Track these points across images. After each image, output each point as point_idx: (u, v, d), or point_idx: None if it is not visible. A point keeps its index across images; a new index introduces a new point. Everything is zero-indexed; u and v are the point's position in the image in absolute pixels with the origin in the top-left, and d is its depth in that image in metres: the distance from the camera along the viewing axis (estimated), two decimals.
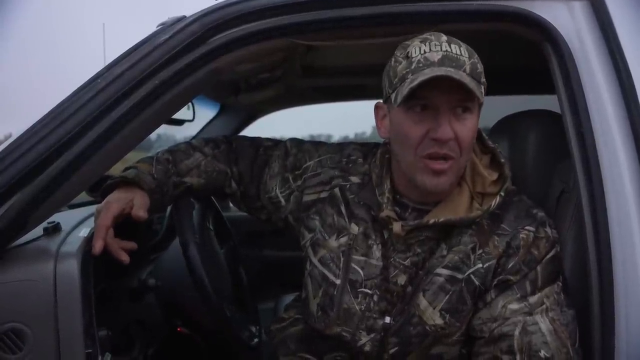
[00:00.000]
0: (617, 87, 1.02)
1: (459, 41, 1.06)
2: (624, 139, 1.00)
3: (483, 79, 1.06)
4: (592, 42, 1.05)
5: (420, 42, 1.05)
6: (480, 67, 1.05)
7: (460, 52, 1.03)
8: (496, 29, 1.14)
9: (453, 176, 1.08)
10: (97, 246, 1.10)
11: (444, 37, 1.05)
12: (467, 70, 1.02)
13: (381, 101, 1.14)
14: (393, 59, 1.08)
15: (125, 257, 1.14)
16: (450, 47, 1.03)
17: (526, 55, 1.36)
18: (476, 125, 1.07)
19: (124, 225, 1.17)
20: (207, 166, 1.30)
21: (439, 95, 1.01)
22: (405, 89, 1.01)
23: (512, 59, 1.70)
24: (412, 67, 1.03)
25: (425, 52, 1.03)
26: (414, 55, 1.04)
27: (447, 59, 1.02)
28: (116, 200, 1.17)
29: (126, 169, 1.24)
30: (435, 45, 1.03)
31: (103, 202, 1.17)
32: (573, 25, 1.06)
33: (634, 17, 1.05)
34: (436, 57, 1.02)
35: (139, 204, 1.18)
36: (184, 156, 1.29)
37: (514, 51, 1.44)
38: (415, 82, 0.99)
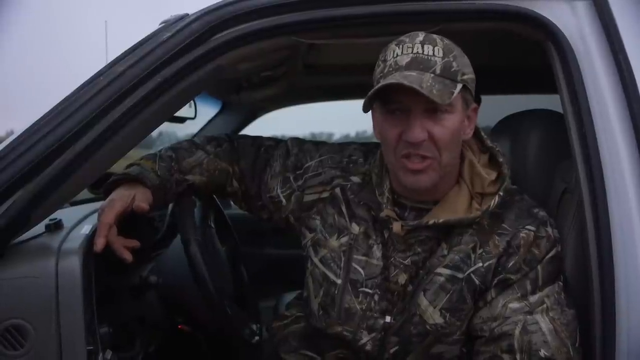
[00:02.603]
0: (619, 87, 1.02)
1: (439, 39, 1.05)
2: (625, 139, 1.00)
3: (464, 77, 1.04)
4: (595, 42, 1.05)
5: (396, 44, 1.05)
6: (457, 64, 1.04)
7: (434, 52, 1.03)
8: (499, 29, 1.14)
9: (435, 174, 1.07)
10: (99, 244, 1.10)
11: (420, 37, 1.04)
12: (438, 70, 1.02)
13: None
14: (377, 62, 1.09)
15: (128, 256, 1.14)
16: (422, 48, 1.03)
17: (528, 55, 1.36)
18: (458, 123, 1.06)
19: (126, 222, 1.17)
20: (209, 164, 1.30)
21: (409, 97, 1.02)
22: (368, 95, 1.03)
23: (515, 58, 1.70)
24: (385, 71, 1.04)
25: (397, 55, 1.04)
26: (388, 58, 1.05)
27: (415, 62, 1.02)
28: (119, 198, 1.17)
29: (129, 166, 1.24)
30: (407, 47, 1.03)
31: (107, 200, 1.17)
32: (576, 25, 1.06)
33: (636, 16, 1.04)
34: (405, 60, 1.02)
35: (140, 198, 1.18)
36: (187, 154, 1.30)
37: (517, 51, 1.45)
38: (372, 91, 1.02)
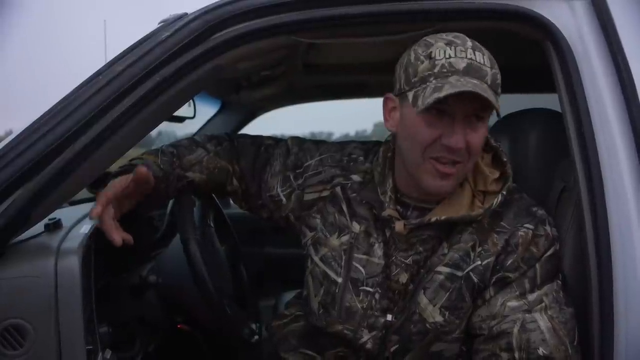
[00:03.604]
0: (617, 86, 1.02)
1: (482, 48, 1.04)
2: (624, 138, 1.00)
3: (499, 90, 1.04)
4: (594, 41, 1.05)
5: (446, 44, 1.02)
6: (499, 77, 1.04)
7: (484, 61, 1.02)
8: (497, 28, 1.14)
9: (458, 179, 1.08)
10: (95, 211, 1.10)
11: (470, 43, 1.03)
12: (489, 81, 1.01)
13: (391, 94, 1.12)
14: (413, 55, 1.05)
15: (118, 238, 1.12)
16: (475, 54, 1.01)
17: (527, 54, 1.36)
18: (486, 132, 1.07)
19: (125, 220, 1.17)
20: (209, 162, 1.30)
21: (458, 103, 1.00)
22: (429, 97, 0.99)
23: (513, 57, 1.70)
24: (436, 70, 1.01)
25: (450, 56, 1.01)
26: (437, 57, 1.01)
27: (472, 69, 1.00)
28: (118, 180, 1.17)
29: (132, 160, 1.25)
30: (460, 50, 1.01)
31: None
32: (574, 25, 1.06)
33: (635, 16, 1.05)
34: (461, 64, 1.00)
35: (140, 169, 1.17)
36: (187, 151, 1.30)
37: (515, 50, 1.44)
38: (442, 94, 0.97)
